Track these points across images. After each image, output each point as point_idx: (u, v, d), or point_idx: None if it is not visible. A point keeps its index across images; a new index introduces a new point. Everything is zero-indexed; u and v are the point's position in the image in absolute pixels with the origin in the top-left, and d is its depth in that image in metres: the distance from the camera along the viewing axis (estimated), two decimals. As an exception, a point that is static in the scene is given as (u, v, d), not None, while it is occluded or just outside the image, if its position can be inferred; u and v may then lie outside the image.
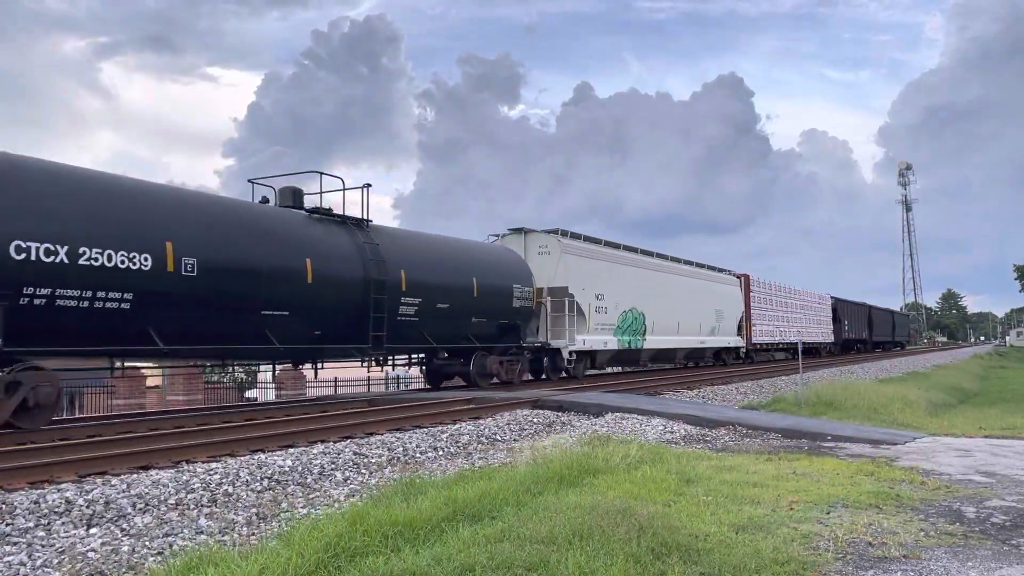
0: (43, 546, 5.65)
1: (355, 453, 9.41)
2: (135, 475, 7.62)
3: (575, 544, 5.23)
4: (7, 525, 5.94)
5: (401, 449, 9.96)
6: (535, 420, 13.13)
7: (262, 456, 8.81)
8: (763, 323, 37.57)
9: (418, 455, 9.91)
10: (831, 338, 48.97)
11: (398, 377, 35.96)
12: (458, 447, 10.65)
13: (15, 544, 5.66)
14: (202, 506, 6.97)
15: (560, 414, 13.95)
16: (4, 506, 6.22)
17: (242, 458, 8.68)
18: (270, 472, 8.14)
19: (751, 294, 36.45)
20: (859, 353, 56.64)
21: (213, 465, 8.21)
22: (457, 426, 11.92)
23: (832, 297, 50.61)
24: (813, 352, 45.26)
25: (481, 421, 12.61)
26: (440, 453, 10.20)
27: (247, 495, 7.45)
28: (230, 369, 29.94)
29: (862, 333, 59.34)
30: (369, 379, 32.47)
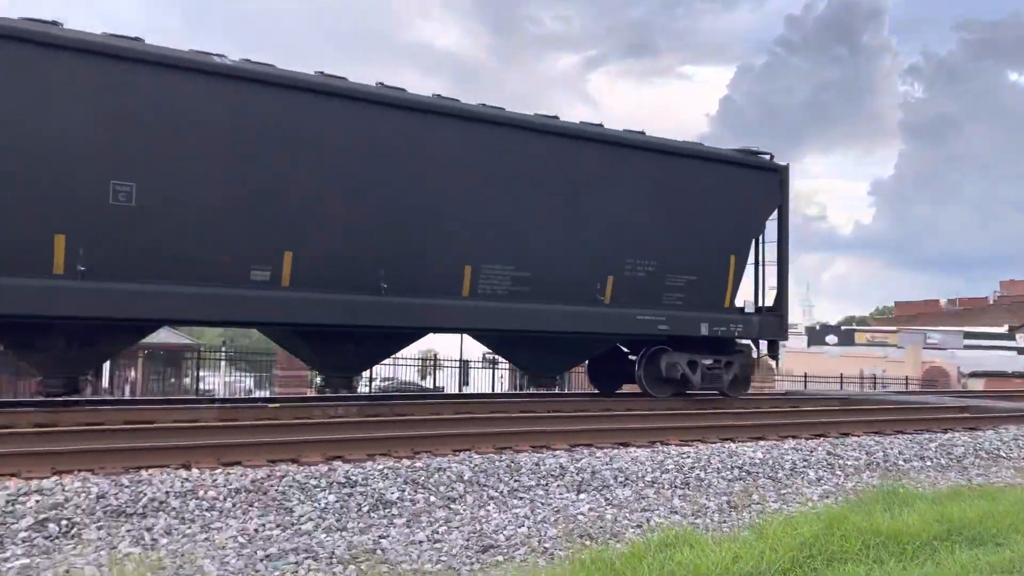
0: (542, 504, 6.42)
1: (828, 453, 8.94)
2: (616, 450, 8.22)
3: (1116, 593, 4.27)
4: (515, 482, 6.87)
5: (881, 454, 9.19)
6: (1052, 438, 11.05)
7: (732, 446, 8.85)
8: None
9: (901, 463, 9.05)
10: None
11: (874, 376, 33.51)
12: (950, 459, 9.47)
13: (520, 498, 6.53)
14: (675, 487, 7.25)
15: (1088, 434, 11.53)
16: (512, 464, 7.20)
17: (713, 445, 8.81)
18: (740, 462, 8.14)
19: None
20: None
21: (685, 449, 8.48)
22: (948, 436, 10.59)
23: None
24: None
25: (979, 433, 11.03)
26: (928, 464, 9.18)
27: (718, 482, 7.56)
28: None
29: None
30: (842, 376, 30.77)
